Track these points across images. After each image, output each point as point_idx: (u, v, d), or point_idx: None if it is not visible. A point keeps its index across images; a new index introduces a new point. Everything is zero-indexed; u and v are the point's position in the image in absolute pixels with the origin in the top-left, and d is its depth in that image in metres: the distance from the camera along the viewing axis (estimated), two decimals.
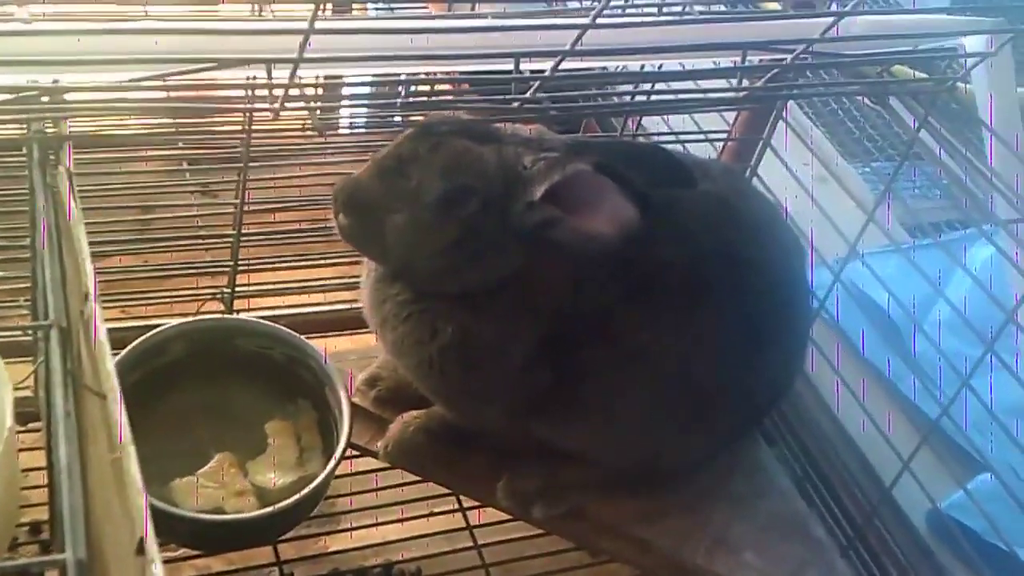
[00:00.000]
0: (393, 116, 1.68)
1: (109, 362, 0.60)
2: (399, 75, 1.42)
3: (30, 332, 1.07)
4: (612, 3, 0.69)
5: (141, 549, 0.52)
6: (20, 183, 1.24)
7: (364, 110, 1.74)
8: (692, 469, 1.09)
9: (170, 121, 1.16)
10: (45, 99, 0.76)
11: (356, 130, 1.76)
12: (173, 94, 0.86)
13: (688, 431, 1.04)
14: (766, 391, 1.10)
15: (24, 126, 0.79)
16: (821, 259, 1.24)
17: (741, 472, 1.13)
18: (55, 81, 0.75)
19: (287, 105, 0.72)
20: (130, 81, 0.73)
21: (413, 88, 1.36)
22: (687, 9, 0.94)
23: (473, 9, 1.04)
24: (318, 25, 0.64)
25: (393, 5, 1.59)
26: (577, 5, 1.08)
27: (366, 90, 1.69)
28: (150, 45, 0.68)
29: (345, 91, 1.71)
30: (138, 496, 0.54)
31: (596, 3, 0.71)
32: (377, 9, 1.52)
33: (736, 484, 1.12)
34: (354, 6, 1.70)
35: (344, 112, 1.79)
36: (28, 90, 0.73)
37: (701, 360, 0.98)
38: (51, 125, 0.77)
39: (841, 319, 1.35)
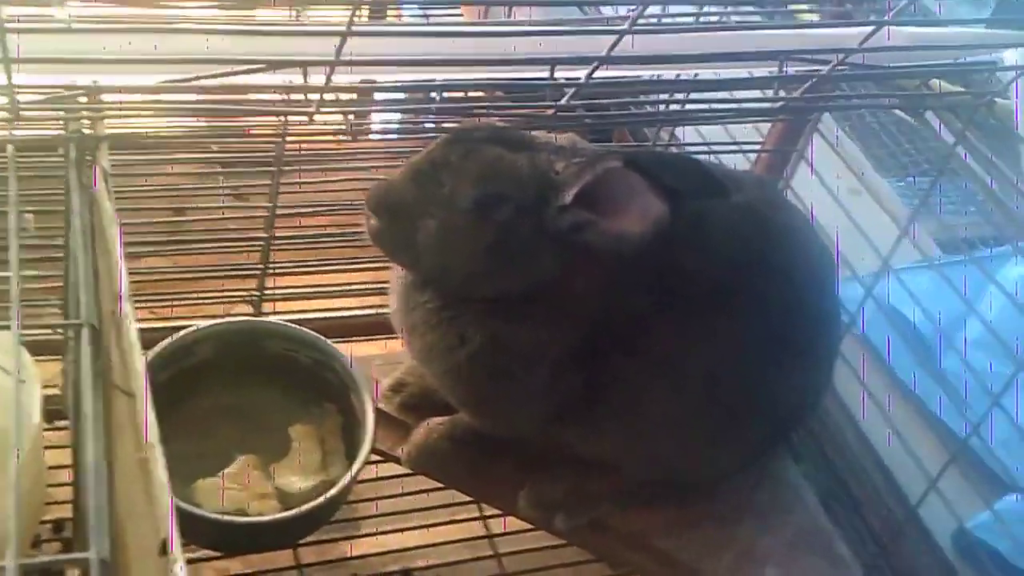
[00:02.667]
0: (425, 122, 1.70)
1: (139, 362, 0.60)
2: (432, 80, 1.43)
3: (60, 331, 1.08)
4: (648, 11, 0.68)
5: (164, 550, 0.52)
6: (53, 183, 1.26)
7: (396, 115, 1.74)
8: (718, 481, 1.08)
9: (204, 124, 1.16)
10: (83, 99, 0.77)
11: (389, 135, 1.76)
12: (208, 96, 0.86)
13: (715, 443, 1.03)
14: (794, 404, 1.09)
15: (62, 126, 0.80)
16: (852, 273, 1.23)
17: (767, 486, 1.12)
18: (94, 82, 0.76)
19: (322, 109, 0.72)
20: (167, 83, 0.73)
21: (446, 94, 1.37)
22: (723, 18, 0.94)
23: (508, 15, 1.04)
24: (354, 29, 0.64)
25: (428, 11, 1.59)
26: (611, 13, 1.07)
27: (399, 95, 1.70)
28: (187, 46, 0.68)
29: (377, 96, 1.71)
30: (163, 496, 0.54)
31: (631, 12, 0.70)
32: (412, 15, 1.52)
33: (762, 498, 1.11)
34: (388, 12, 1.71)
35: (376, 117, 1.79)
36: (67, 90, 0.74)
37: (729, 371, 0.97)
38: (88, 125, 0.77)
39: (871, 334, 1.34)
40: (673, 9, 0.88)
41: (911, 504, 1.13)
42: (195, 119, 1.14)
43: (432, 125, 1.68)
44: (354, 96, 1.27)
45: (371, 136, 1.77)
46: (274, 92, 0.88)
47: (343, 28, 0.63)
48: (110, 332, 0.68)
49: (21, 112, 0.71)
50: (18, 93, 0.70)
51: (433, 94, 1.50)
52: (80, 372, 0.76)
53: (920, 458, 1.14)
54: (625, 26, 0.65)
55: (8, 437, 0.93)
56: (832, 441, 1.28)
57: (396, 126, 1.80)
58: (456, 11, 1.59)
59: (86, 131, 0.77)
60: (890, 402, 1.26)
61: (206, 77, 0.72)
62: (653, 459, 1.03)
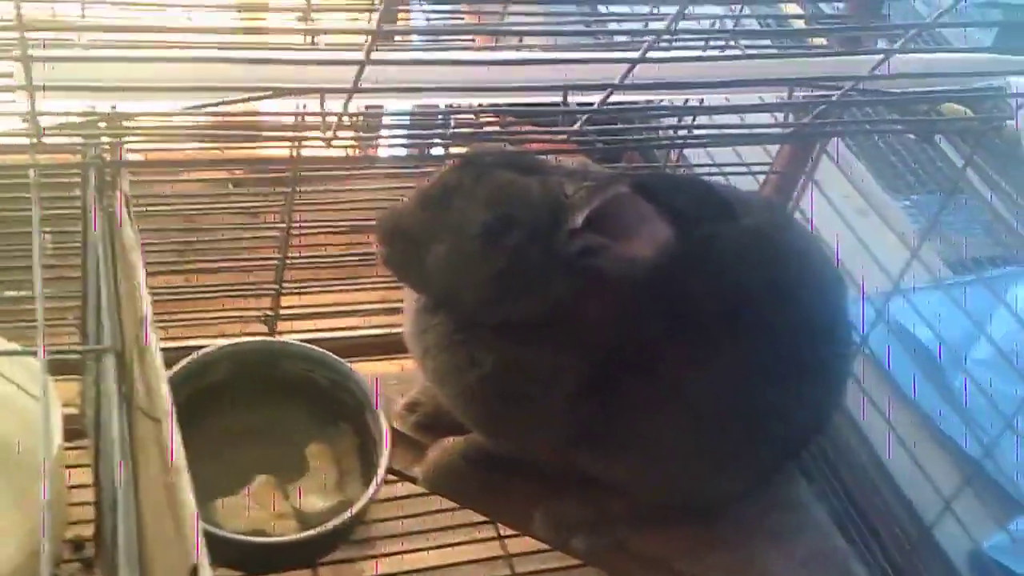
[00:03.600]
0: (434, 146, 1.72)
1: (164, 386, 0.61)
2: (438, 105, 1.44)
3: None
4: (659, 36, 0.69)
5: (195, 574, 0.53)
6: (65, 202, 1.27)
7: (404, 139, 1.76)
8: (732, 503, 1.09)
9: (218, 146, 1.18)
10: (102, 124, 0.78)
11: (401, 158, 1.77)
12: (225, 120, 0.87)
13: (727, 465, 1.03)
14: (806, 425, 1.09)
15: (80, 150, 0.81)
16: (862, 294, 1.24)
17: (780, 507, 1.12)
18: (113, 107, 0.77)
19: (339, 134, 0.73)
20: (187, 109, 0.75)
21: (458, 117, 1.38)
22: (732, 43, 0.95)
23: (520, 43, 1.05)
24: (373, 56, 0.65)
25: (439, 37, 1.60)
26: (625, 39, 1.09)
27: (406, 119, 1.72)
28: (206, 73, 0.70)
29: (385, 120, 1.73)
30: (192, 521, 0.55)
31: (641, 38, 0.71)
32: (423, 40, 1.54)
33: (775, 519, 1.11)
34: (397, 38, 1.72)
35: (384, 140, 1.81)
36: (86, 115, 0.75)
37: (740, 394, 0.98)
38: (107, 149, 0.79)
39: (882, 354, 1.34)
40: (684, 35, 0.89)
41: (925, 525, 1.14)
42: (212, 143, 1.15)
43: (441, 148, 1.70)
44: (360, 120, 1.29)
45: (380, 157, 1.79)
46: (289, 116, 0.90)
47: (361, 57, 0.64)
48: (133, 356, 0.69)
49: (43, 137, 0.73)
50: (40, 117, 0.71)
51: (443, 118, 1.52)
52: (103, 397, 0.77)
53: (934, 479, 1.14)
54: (639, 53, 0.66)
55: (31, 457, 0.95)
56: (845, 461, 1.28)
57: (404, 149, 1.82)
58: (468, 38, 1.61)
59: (106, 155, 0.79)
60: (903, 422, 1.26)
61: (225, 103, 0.74)
62: (665, 482, 1.04)
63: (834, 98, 0.76)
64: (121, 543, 0.53)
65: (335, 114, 0.72)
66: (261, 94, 0.70)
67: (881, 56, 0.71)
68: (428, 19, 1.78)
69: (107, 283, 0.67)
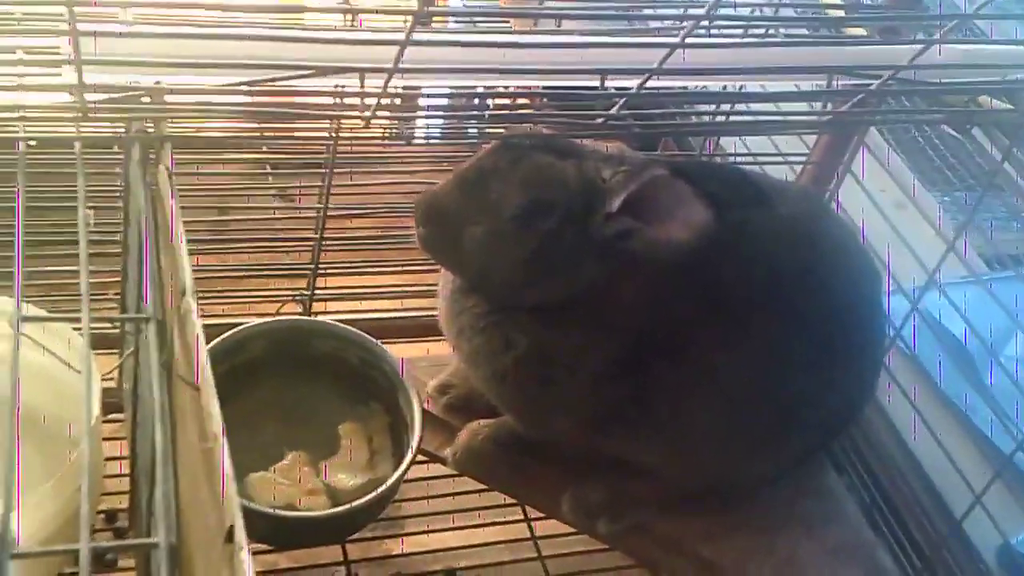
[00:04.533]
0: (469, 128, 1.72)
1: (204, 355, 0.63)
2: (476, 88, 1.45)
3: (117, 325, 1.12)
4: (697, 22, 0.70)
5: (231, 537, 0.55)
6: (104, 179, 1.29)
7: (440, 121, 1.77)
8: (760, 489, 1.09)
9: (256, 125, 1.19)
10: (146, 99, 0.79)
11: (438, 140, 1.78)
12: (265, 99, 0.88)
13: (757, 450, 1.03)
14: (837, 413, 1.09)
15: (123, 124, 0.82)
16: (897, 286, 1.23)
17: (809, 496, 1.12)
18: (156, 82, 0.78)
19: (377, 114, 0.74)
20: (229, 85, 0.76)
21: (496, 101, 1.39)
22: (771, 31, 0.95)
23: (558, 26, 1.05)
24: (413, 37, 0.66)
25: (475, 18, 1.61)
26: (659, 25, 1.09)
27: (443, 101, 1.72)
28: (249, 51, 0.71)
29: (422, 101, 1.74)
30: (229, 486, 0.56)
31: (677, 22, 0.72)
32: (458, 22, 1.54)
33: (803, 508, 1.11)
34: (434, 19, 1.73)
35: (420, 121, 1.82)
36: (131, 90, 0.76)
37: (772, 380, 0.98)
38: (151, 125, 0.80)
39: (916, 348, 1.34)
40: (723, 21, 0.89)
41: (955, 518, 1.13)
42: (252, 121, 1.17)
43: (476, 131, 1.71)
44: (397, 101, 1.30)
45: (416, 140, 1.80)
46: (329, 96, 0.91)
47: (402, 37, 0.65)
48: (173, 326, 0.70)
49: (89, 111, 0.74)
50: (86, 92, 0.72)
51: (481, 100, 1.53)
52: (142, 365, 0.79)
53: (965, 472, 1.14)
54: (678, 38, 0.66)
55: (68, 428, 0.97)
56: (876, 453, 1.28)
57: (439, 130, 1.83)
58: (504, 20, 1.61)
59: (150, 130, 0.80)
60: (935, 415, 1.25)
61: (266, 81, 0.75)
62: (695, 466, 1.04)
63: (873, 87, 0.76)
64: (159, 506, 0.55)
65: (374, 94, 0.72)
66: (302, 72, 0.71)
67: (921, 47, 0.70)
68: (464, 2, 1.79)
69: (151, 255, 0.68)
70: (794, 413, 1.01)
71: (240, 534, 0.54)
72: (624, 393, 0.97)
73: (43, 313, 0.92)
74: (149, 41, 0.74)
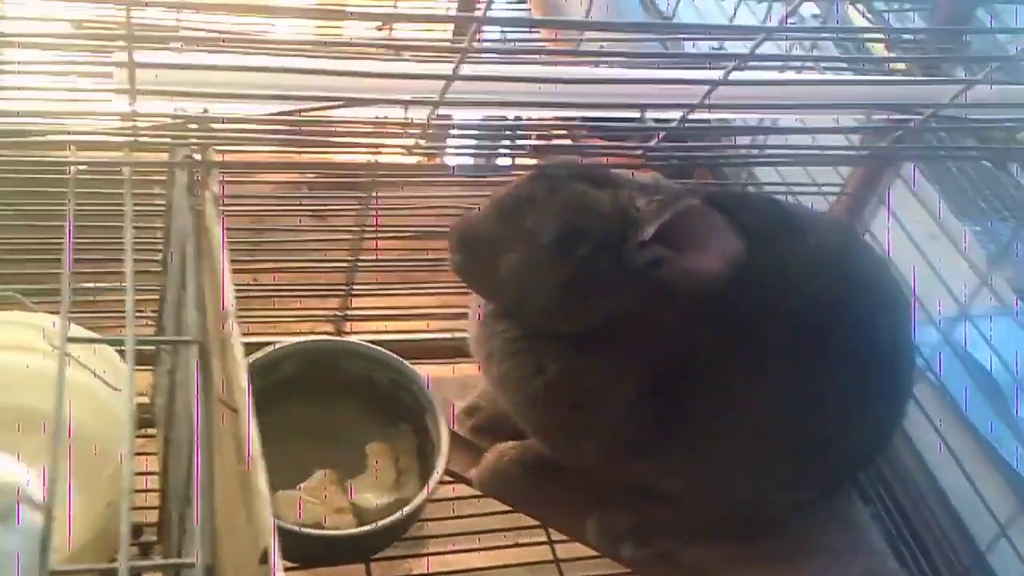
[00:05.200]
0: (501, 156, 1.74)
1: (244, 378, 0.64)
2: (506, 117, 1.46)
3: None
4: (742, 60, 0.70)
5: (265, 559, 0.55)
6: (143, 199, 1.30)
7: (479, 149, 1.79)
8: (786, 519, 1.09)
9: (298, 150, 1.21)
10: (192, 126, 0.81)
11: (470, 167, 1.80)
12: (310, 126, 0.90)
13: (784, 480, 1.04)
14: (864, 445, 1.09)
15: (169, 150, 0.84)
16: (928, 317, 1.23)
17: (835, 527, 1.12)
18: (204, 110, 0.80)
19: (420, 143, 0.75)
20: (275, 114, 0.77)
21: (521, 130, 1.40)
22: (811, 65, 0.95)
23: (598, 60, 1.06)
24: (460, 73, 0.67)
25: (507, 32, 1.61)
26: (693, 50, 1.10)
27: (473, 130, 1.74)
28: (300, 81, 0.72)
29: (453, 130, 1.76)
30: (265, 508, 0.57)
31: (713, 50, 0.72)
32: (498, 56, 1.56)
33: (829, 538, 1.11)
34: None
35: (453, 149, 1.84)
36: (180, 117, 0.78)
37: (800, 411, 0.98)
38: (197, 150, 0.81)
39: (945, 379, 1.33)
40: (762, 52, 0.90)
41: (980, 550, 1.13)
42: (296, 148, 1.19)
43: (508, 159, 1.72)
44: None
45: (448, 165, 1.82)
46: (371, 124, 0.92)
47: (449, 71, 0.66)
48: (214, 348, 0.71)
49: (139, 137, 0.76)
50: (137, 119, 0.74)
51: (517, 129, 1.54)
52: (183, 388, 0.80)
53: (990, 504, 1.13)
54: (720, 75, 0.67)
55: (105, 443, 0.98)
56: (902, 484, 1.28)
57: (471, 158, 1.84)
58: (539, 42, 1.63)
59: (195, 156, 0.82)
60: (961, 446, 1.25)
61: (312, 110, 0.76)
62: (721, 495, 1.04)
63: (913, 124, 0.76)
64: (198, 527, 0.56)
65: (419, 124, 0.74)
66: (349, 103, 0.73)
67: (963, 86, 0.71)
68: (503, 33, 1.81)
69: (194, 278, 0.69)
70: (822, 443, 1.01)
71: (274, 557, 0.55)
72: (652, 420, 0.98)
73: (88, 333, 0.93)
74: (198, 67, 0.75)
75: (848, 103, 0.78)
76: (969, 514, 1.22)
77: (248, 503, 0.61)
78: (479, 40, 1.79)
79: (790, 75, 0.77)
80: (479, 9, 1.90)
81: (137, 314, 1.24)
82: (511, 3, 1.96)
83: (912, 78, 0.75)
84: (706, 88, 0.69)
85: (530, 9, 1.79)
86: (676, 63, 0.79)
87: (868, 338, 1.01)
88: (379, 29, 1.76)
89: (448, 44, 0.66)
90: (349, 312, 1.33)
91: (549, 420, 1.01)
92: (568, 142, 1.11)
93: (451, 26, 1.79)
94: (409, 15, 1.21)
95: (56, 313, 1.05)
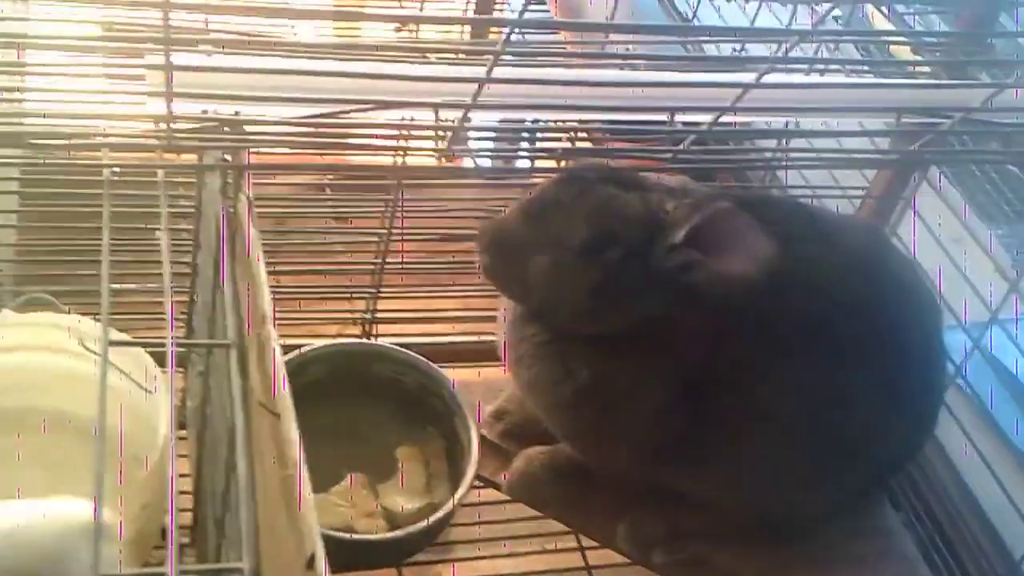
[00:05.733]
0: (520, 158, 1.74)
1: (284, 383, 0.64)
2: (523, 121, 1.47)
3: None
4: (772, 64, 0.70)
5: (311, 564, 0.56)
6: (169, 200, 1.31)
7: (500, 149, 1.79)
8: (817, 525, 1.08)
9: (327, 152, 1.22)
10: (226, 129, 0.81)
11: (489, 168, 1.80)
12: (339, 128, 0.90)
13: (815, 485, 1.03)
14: (896, 451, 1.09)
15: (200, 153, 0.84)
16: (956, 321, 1.22)
17: (866, 533, 1.12)
18: (235, 113, 0.81)
19: (453, 148, 0.75)
20: (306, 117, 0.77)
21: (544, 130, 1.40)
22: (836, 67, 0.95)
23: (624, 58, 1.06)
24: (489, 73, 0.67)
25: (526, 33, 1.61)
26: (715, 51, 1.10)
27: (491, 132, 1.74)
28: (331, 84, 0.72)
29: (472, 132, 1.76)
30: (311, 513, 0.58)
31: (735, 51, 0.72)
32: (515, 44, 1.56)
33: (861, 545, 1.10)
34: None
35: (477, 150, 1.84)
36: (214, 120, 0.78)
37: (830, 415, 0.98)
38: (231, 152, 0.82)
39: (975, 384, 1.33)
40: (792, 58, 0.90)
41: (1014, 558, 1.12)
42: (324, 151, 1.19)
43: (528, 161, 1.73)
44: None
45: (469, 167, 1.82)
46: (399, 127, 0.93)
47: (482, 75, 0.66)
48: (251, 351, 0.72)
49: (174, 140, 0.76)
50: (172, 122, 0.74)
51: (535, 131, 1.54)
52: (217, 390, 0.81)
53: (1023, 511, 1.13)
54: (752, 78, 0.67)
55: (139, 445, 0.99)
56: (933, 491, 1.27)
57: (493, 156, 1.85)
58: (560, 45, 1.63)
59: (228, 158, 0.82)
60: (993, 452, 1.24)
61: (341, 112, 0.76)
62: (751, 500, 1.04)
63: (943, 127, 0.76)
64: (243, 533, 0.56)
65: (449, 127, 0.74)
66: (383, 105, 0.73)
67: (993, 90, 0.70)
68: (522, 35, 1.81)
69: (229, 281, 0.70)
70: (852, 449, 1.01)
71: (320, 563, 0.55)
72: (682, 424, 0.98)
73: (124, 336, 0.94)
74: (232, 64, 0.76)
75: (877, 106, 0.77)
76: (1002, 521, 1.21)
77: (291, 508, 0.62)
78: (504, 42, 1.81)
79: (817, 78, 0.77)
80: (498, 9, 1.92)
81: (161, 314, 1.25)
82: (530, 4, 1.97)
83: (940, 82, 0.75)
84: (736, 92, 0.69)
85: (549, 10, 1.79)
86: (706, 67, 0.78)
87: (899, 342, 1.01)
88: (397, 31, 1.76)
89: (472, 46, 0.66)
90: (376, 314, 1.33)
91: (579, 424, 1.01)
92: (590, 145, 1.11)
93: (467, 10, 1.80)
94: (436, 18, 1.21)
95: (86, 314, 1.07)
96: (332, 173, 1.48)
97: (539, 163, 1.78)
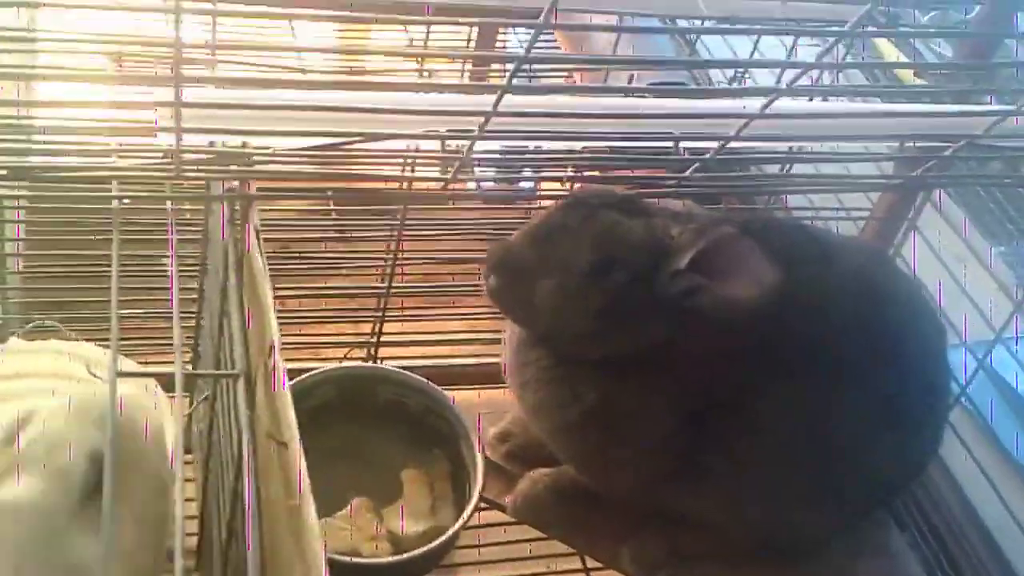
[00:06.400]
0: (522, 181, 1.75)
1: (291, 412, 0.65)
2: (526, 147, 1.47)
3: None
4: (778, 93, 0.71)
5: None
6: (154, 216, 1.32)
7: (493, 174, 1.80)
8: (820, 546, 1.08)
9: (333, 185, 1.22)
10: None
11: (492, 191, 1.81)
12: (344, 157, 0.91)
13: (818, 507, 1.03)
14: (899, 471, 1.09)
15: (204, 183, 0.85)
16: (960, 341, 1.23)
17: (870, 554, 1.12)
18: (243, 143, 0.81)
19: (458, 176, 0.76)
20: (314, 148, 0.78)
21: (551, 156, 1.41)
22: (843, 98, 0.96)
23: (630, 82, 1.07)
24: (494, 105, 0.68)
25: (534, 71, 1.63)
26: (722, 78, 1.10)
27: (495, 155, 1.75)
28: (338, 118, 0.73)
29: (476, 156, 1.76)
30: (317, 542, 0.58)
31: (738, 74, 0.73)
32: (518, 76, 1.57)
33: (864, 565, 1.10)
34: (492, 71, 1.77)
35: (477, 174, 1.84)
36: (222, 152, 0.79)
37: (833, 437, 0.98)
38: (237, 182, 0.82)
39: (978, 403, 1.33)
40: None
41: None
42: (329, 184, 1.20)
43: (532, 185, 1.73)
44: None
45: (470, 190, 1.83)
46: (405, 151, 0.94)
47: (488, 107, 0.67)
48: (258, 381, 0.72)
49: (182, 172, 0.77)
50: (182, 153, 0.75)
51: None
52: (223, 414, 0.81)
53: None
54: (758, 108, 0.68)
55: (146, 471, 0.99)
56: (937, 510, 1.27)
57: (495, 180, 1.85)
58: (566, 74, 1.63)
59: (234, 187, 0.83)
60: (997, 472, 1.24)
61: (348, 143, 0.77)
62: (755, 522, 1.04)
63: (947, 153, 0.77)
64: (250, 564, 0.56)
65: (456, 156, 0.74)
66: (388, 135, 0.74)
67: (998, 117, 0.71)
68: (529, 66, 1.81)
69: (237, 310, 0.70)
70: (855, 469, 1.01)
71: None
72: (688, 447, 0.98)
73: (135, 366, 0.94)
74: (240, 98, 0.76)
75: (882, 133, 0.78)
76: (1005, 539, 1.21)
77: (298, 536, 0.62)
78: (506, 70, 1.82)
79: (821, 103, 0.78)
80: (501, 39, 1.93)
81: (169, 339, 1.26)
82: (531, 29, 1.97)
83: (944, 109, 0.75)
84: (741, 121, 0.69)
85: (554, 37, 1.80)
86: (710, 95, 0.79)
87: (903, 363, 1.01)
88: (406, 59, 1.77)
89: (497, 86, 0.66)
90: (380, 337, 1.33)
91: (585, 448, 1.01)
92: (595, 172, 1.12)
93: (471, 36, 1.80)
94: (444, 52, 1.22)
95: (91, 338, 1.07)
96: (340, 198, 1.48)
97: (544, 184, 1.79)
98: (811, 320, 0.96)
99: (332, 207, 1.54)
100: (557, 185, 1.39)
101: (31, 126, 0.78)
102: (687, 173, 0.79)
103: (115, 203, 0.76)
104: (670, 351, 0.95)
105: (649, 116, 0.69)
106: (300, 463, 0.61)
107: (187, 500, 1.07)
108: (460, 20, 1.10)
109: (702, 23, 0.99)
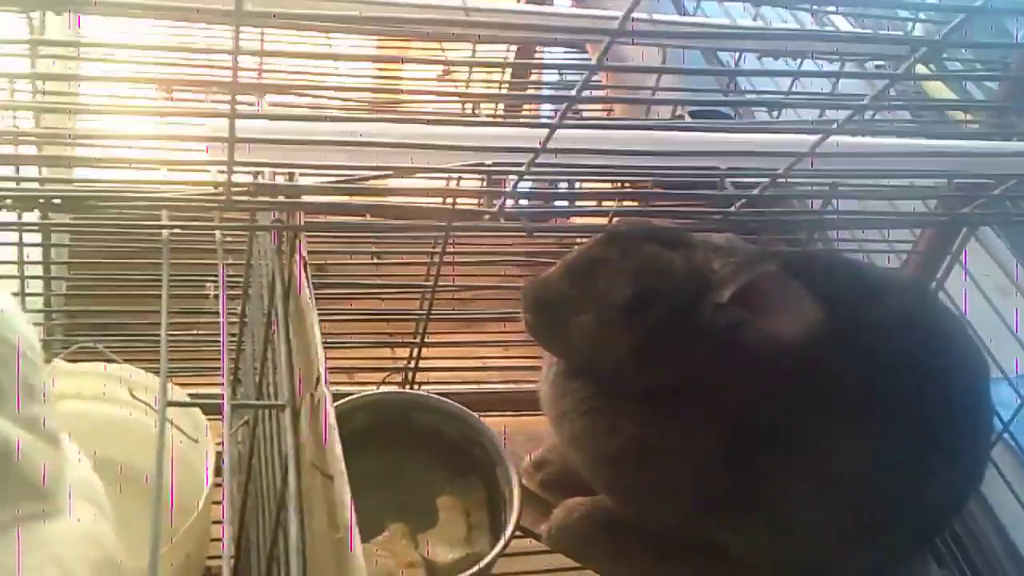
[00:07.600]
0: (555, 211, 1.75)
1: (338, 446, 0.65)
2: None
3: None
4: (827, 133, 0.71)
5: None
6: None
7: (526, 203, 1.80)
8: None
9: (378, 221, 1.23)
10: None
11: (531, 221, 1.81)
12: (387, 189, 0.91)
13: (858, 543, 1.02)
14: (940, 507, 1.08)
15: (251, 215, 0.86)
16: (1003, 374, 1.22)
17: None
18: (289, 174, 0.82)
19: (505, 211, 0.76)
20: (360, 180, 0.79)
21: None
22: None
23: (672, 116, 1.07)
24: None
25: (565, 74, 1.62)
26: (765, 116, 1.10)
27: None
28: (384, 154, 0.73)
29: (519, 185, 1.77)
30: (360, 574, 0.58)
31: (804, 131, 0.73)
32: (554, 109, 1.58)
33: None
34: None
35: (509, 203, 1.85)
36: (272, 185, 0.80)
37: (875, 473, 0.98)
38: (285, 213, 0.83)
39: (1020, 438, 1.31)
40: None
41: None
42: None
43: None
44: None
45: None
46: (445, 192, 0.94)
47: (536, 143, 0.67)
48: (303, 411, 0.73)
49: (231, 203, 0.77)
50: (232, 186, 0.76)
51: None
52: (268, 444, 0.82)
53: None
54: (808, 148, 0.68)
55: (184, 494, 1.00)
56: (977, 546, 1.25)
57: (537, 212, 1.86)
58: (604, 107, 1.64)
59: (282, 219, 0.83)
60: None
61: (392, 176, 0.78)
62: (794, 557, 1.03)
63: (996, 192, 0.76)
64: None
65: (502, 193, 0.75)
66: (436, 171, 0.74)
67: None
68: (561, 75, 1.83)
69: (284, 342, 0.71)
70: (897, 505, 1.00)
71: None
72: (726, 481, 0.98)
73: (184, 395, 0.95)
74: (288, 130, 0.77)
75: (931, 170, 0.78)
76: None
77: (341, 569, 0.62)
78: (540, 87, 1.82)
79: (870, 139, 0.77)
80: (538, 57, 1.93)
81: (215, 366, 1.27)
82: (567, 49, 1.98)
83: (996, 145, 0.75)
84: (790, 159, 0.69)
85: (588, 55, 1.81)
86: (760, 130, 0.79)
87: (945, 398, 1.00)
88: (439, 80, 1.79)
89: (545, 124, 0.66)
90: (418, 362, 1.34)
91: (623, 479, 1.01)
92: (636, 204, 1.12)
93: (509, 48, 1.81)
94: (482, 94, 1.23)
95: (132, 359, 1.08)
96: (383, 228, 1.49)
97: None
98: (854, 355, 0.96)
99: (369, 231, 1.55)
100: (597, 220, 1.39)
101: (84, 157, 0.79)
102: (734, 208, 0.79)
103: (165, 233, 0.76)
104: (711, 385, 0.95)
105: (698, 153, 0.69)
106: (346, 496, 0.62)
107: (215, 523, 1.08)
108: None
109: (743, 61, 0.99)
